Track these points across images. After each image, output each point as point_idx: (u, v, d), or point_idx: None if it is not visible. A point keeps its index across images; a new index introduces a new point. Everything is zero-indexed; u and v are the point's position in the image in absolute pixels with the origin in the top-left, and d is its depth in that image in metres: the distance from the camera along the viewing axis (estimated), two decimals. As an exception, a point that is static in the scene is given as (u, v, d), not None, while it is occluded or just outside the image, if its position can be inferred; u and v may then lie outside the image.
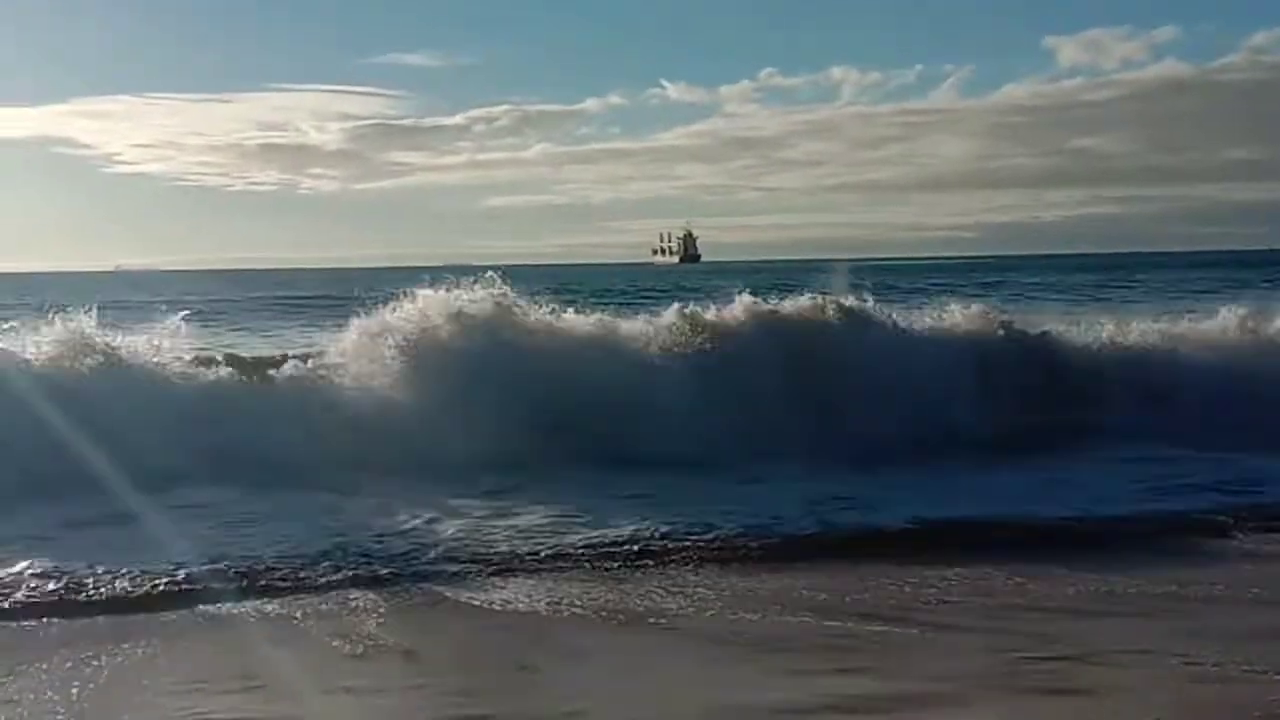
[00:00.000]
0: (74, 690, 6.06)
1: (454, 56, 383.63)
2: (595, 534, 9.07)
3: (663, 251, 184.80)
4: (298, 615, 7.33)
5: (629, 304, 35.22)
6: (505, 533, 9.18)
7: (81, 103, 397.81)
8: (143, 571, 8.00)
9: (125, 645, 6.78)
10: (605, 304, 22.24)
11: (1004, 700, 5.82)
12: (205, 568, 8.12)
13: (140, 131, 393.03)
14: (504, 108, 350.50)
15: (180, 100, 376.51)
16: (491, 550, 8.71)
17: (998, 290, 45.80)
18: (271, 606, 7.52)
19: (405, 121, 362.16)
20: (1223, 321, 16.15)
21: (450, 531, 9.18)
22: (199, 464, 10.57)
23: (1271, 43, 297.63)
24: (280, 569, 8.16)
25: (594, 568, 8.37)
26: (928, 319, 15.33)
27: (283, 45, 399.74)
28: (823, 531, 9.29)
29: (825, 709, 5.78)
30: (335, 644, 6.75)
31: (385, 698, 5.97)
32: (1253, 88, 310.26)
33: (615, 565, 8.42)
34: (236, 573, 8.05)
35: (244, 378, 12.90)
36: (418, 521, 9.45)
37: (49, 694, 6.02)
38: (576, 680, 6.24)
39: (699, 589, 7.85)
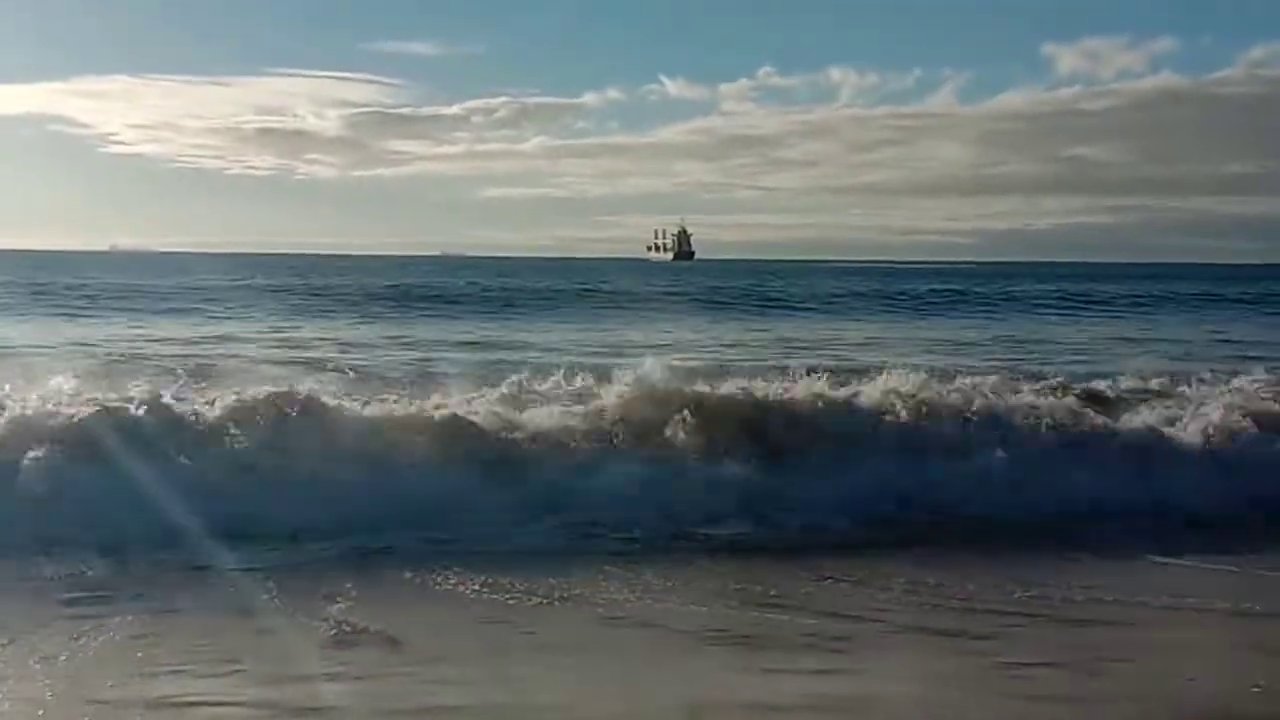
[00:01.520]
0: (57, 668, 6.11)
1: (453, 46, 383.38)
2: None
3: (657, 248, 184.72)
4: (282, 599, 7.40)
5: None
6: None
7: (79, 81, 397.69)
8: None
9: (113, 621, 6.86)
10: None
11: (993, 706, 5.87)
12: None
13: (137, 112, 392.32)
14: (502, 99, 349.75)
15: (178, 82, 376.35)
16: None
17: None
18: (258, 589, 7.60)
19: (403, 110, 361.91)
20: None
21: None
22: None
23: (1269, 57, 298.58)
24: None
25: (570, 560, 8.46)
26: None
27: (282, 30, 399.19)
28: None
29: (802, 708, 5.84)
30: (319, 630, 6.81)
31: (367, 684, 6.03)
32: (1250, 102, 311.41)
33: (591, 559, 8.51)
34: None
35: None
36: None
37: (35, 667, 6.09)
38: (554, 672, 6.30)
39: (669, 583, 7.94)
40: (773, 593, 7.77)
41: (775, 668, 6.38)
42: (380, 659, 6.39)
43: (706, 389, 11.81)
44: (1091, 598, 7.79)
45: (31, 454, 9.42)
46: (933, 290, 56.57)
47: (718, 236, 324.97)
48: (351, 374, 14.07)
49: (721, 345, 25.12)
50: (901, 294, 52.51)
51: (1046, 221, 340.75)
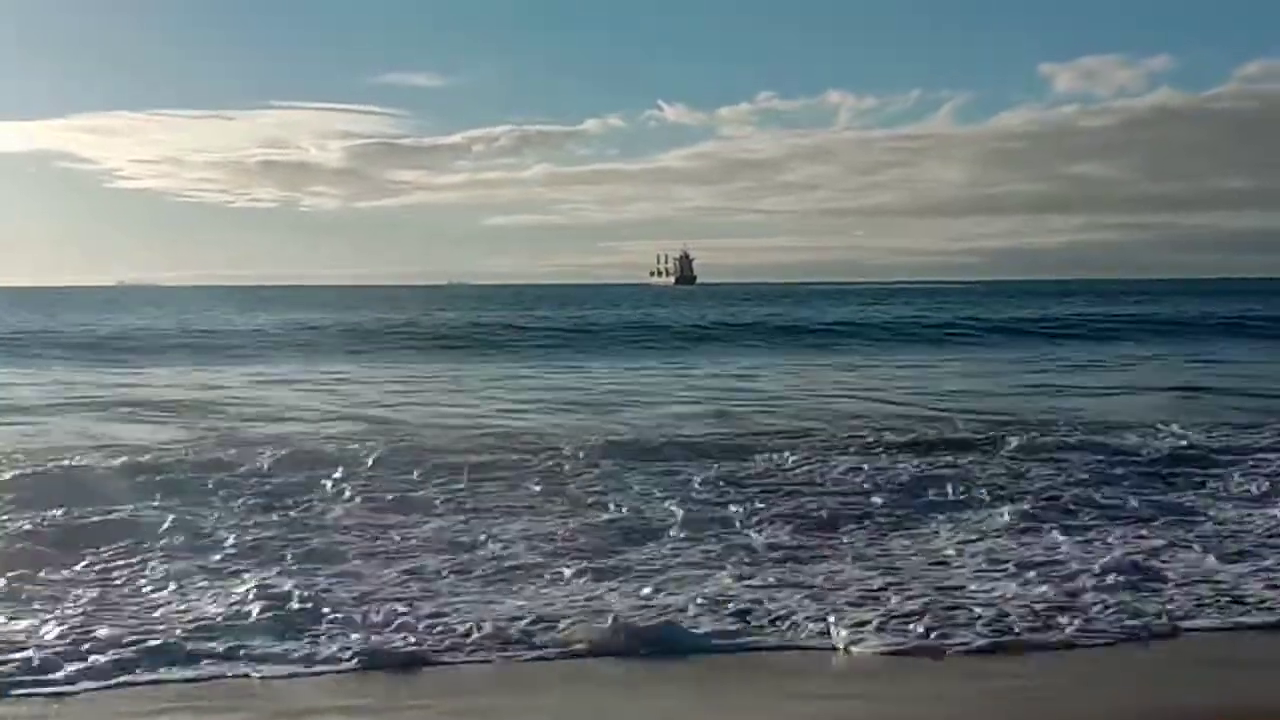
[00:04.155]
0: (73, 707, 6.06)
1: (454, 76, 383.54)
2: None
3: (659, 273, 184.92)
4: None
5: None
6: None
7: (82, 118, 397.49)
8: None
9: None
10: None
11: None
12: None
13: (141, 147, 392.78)
14: (504, 128, 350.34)
15: (181, 117, 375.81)
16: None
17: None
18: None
19: (405, 140, 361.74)
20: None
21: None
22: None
23: (1263, 73, 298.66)
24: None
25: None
26: None
27: (284, 63, 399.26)
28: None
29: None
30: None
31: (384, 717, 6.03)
32: (1247, 117, 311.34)
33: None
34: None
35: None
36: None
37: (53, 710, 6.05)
38: (573, 699, 6.26)
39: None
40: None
41: (792, 692, 6.35)
42: (397, 690, 6.36)
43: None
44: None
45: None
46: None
47: (720, 260, 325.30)
48: None
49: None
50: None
51: (1051, 240, 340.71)
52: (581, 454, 12.92)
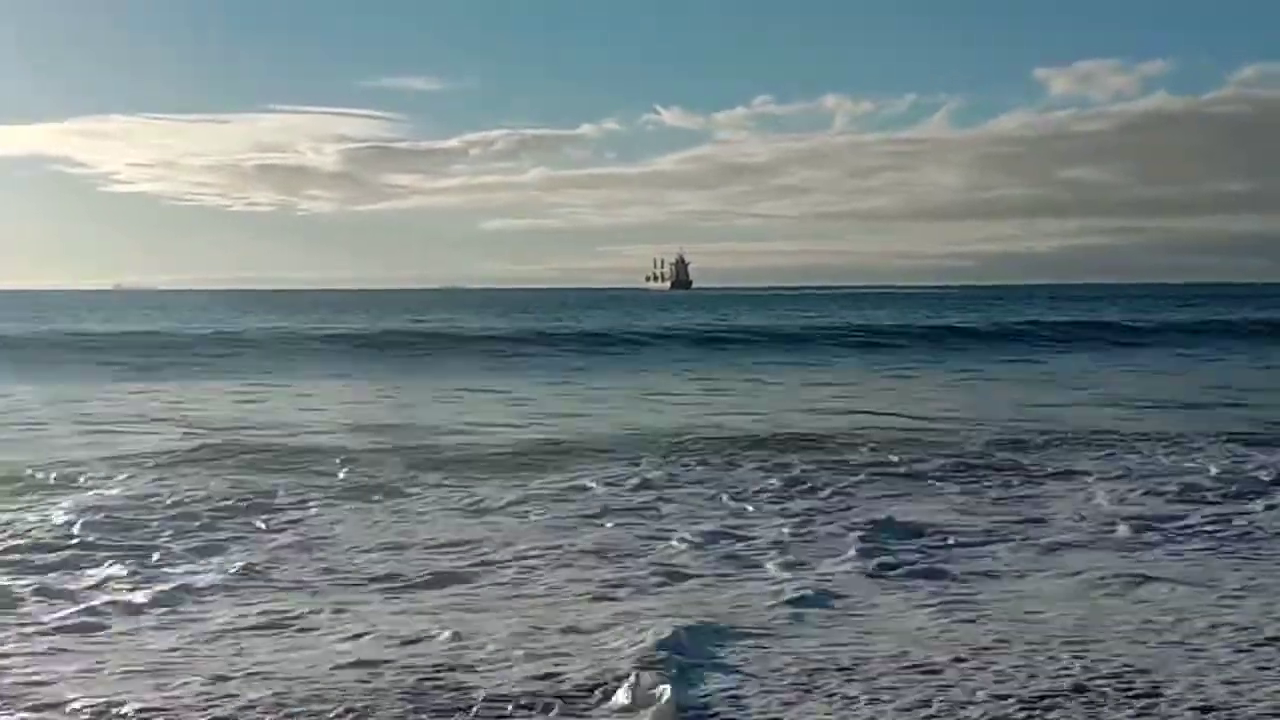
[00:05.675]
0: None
1: (451, 80, 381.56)
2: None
3: (656, 277, 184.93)
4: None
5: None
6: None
7: (77, 121, 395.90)
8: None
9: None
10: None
11: None
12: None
13: (137, 151, 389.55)
14: (500, 131, 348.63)
15: (177, 120, 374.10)
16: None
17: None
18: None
19: (402, 144, 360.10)
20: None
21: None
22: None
23: (1260, 77, 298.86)
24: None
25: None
26: None
27: (281, 67, 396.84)
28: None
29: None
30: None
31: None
32: (1243, 121, 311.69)
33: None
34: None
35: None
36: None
37: None
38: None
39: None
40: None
41: None
42: None
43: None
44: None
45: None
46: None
47: (716, 264, 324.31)
48: None
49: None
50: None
51: (1047, 244, 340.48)
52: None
